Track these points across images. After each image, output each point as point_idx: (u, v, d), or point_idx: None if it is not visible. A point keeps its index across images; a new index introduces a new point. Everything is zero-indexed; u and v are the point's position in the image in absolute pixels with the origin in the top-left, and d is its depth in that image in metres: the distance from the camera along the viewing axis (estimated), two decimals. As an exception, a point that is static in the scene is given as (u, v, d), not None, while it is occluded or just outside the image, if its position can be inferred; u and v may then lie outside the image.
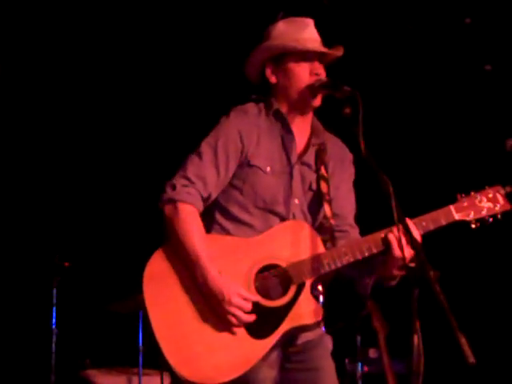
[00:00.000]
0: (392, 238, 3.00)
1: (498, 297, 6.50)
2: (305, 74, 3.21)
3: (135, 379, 5.88)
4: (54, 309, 6.13)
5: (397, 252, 2.97)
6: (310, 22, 3.32)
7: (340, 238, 3.30)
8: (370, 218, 3.25)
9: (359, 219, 3.45)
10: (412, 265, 2.74)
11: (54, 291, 6.12)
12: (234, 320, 3.01)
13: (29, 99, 6.75)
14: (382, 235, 3.05)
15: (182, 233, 3.08)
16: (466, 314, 4.69)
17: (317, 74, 3.21)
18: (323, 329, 3.41)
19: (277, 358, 3.15)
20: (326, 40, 3.34)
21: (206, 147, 3.19)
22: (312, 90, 3.21)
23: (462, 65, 6.39)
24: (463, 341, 2.42)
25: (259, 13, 3.53)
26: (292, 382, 3.22)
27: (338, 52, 3.29)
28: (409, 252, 2.92)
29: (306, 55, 3.21)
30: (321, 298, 6.54)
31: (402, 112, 6.71)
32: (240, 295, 3.01)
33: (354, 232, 3.36)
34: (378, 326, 5.76)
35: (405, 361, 2.73)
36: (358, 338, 6.10)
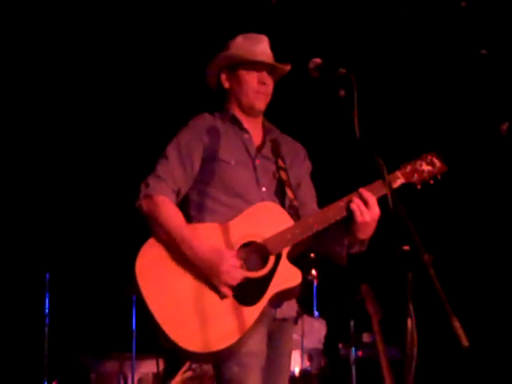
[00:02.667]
0: (354, 206, 3.32)
1: (493, 280, 6.51)
2: (253, 81, 3.58)
3: (129, 364, 5.88)
4: (47, 294, 6.12)
5: (359, 218, 3.31)
6: (265, 39, 3.66)
7: None
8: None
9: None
10: (406, 248, 2.73)
11: (47, 276, 6.11)
12: (231, 278, 3.28)
13: (17, 104, 6.74)
14: (343, 203, 3.37)
15: (164, 219, 3.37)
16: (461, 297, 4.69)
17: (264, 83, 3.57)
18: (315, 312, 3.60)
19: (265, 334, 3.44)
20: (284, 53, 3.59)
21: (171, 149, 3.53)
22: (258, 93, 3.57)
23: (458, 49, 6.37)
24: (457, 324, 2.42)
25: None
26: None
27: (285, 66, 3.64)
28: (369, 215, 3.31)
29: (255, 66, 3.57)
30: (315, 283, 6.57)
31: (398, 95, 6.71)
32: (230, 254, 3.31)
33: None
34: (371, 310, 5.77)
35: (399, 345, 2.72)
36: (352, 323, 6.12)
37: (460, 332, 2.42)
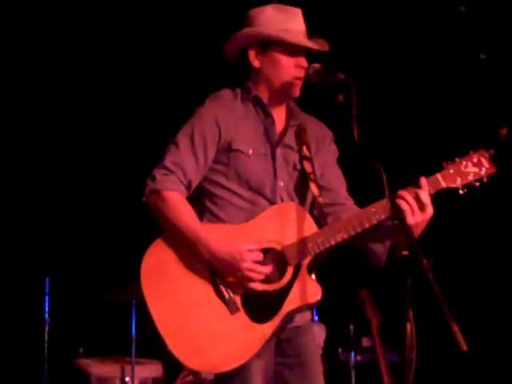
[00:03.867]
0: (405, 205, 3.01)
1: (492, 285, 6.51)
2: (290, 66, 3.23)
3: (128, 368, 5.87)
4: (47, 298, 6.12)
5: (410, 219, 3.00)
6: (299, 12, 3.31)
7: (338, 211, 3.32)
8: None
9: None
10: (405, 253, 2.73)
11: (47, 280, 6.11)
12: (254, 275, 3.02)
13: (15, 103, 6.74)
14: (387, 201, 3.03)
15: (174, 217, 3.10)
16: (460, 302, 4.69)
17: (302, 68, 3.22)
18: (314, 317, 3.43)
19: (272, 345, 3.19)
20: (315, 28, 3.34)
21: (182, 136, 3.21)
22: (294, 82, 3.24)
23: (457, 53, 6.38)
24: (456, 329, 2.42)
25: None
26: (279, 365, 3.25)
27: (324, 48, 3.29)
28: (421, 216, 3.02)
29: (293, 48, 3.23)
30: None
31: (397, 100, 6.70)
32: (250, 249, 3.04)
33: (350, 203, 3.37)
34: (371, 315, 5.78)
35: (398, 350, 2.73)
36: (351, 327, 6.11)
37: (459, 336, 2.42)
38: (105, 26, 6.58)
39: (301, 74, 3.23)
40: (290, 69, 3.23)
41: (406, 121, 6.71)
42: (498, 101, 6.15)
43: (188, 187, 3.19)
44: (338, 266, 5.24)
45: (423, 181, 3.10)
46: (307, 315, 3.34)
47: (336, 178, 3.42)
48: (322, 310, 6.35)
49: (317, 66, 3.22)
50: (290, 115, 3.37)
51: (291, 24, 3.25)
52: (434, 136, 6.54)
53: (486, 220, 6.55)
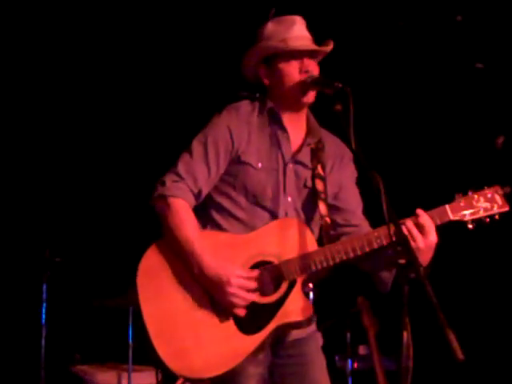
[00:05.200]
0: (405, 229, 2.97)
1: (488, 293, 6.51)
2: (295, 72, 3.23)
3: (125, 375, 5.88)
4: (44, 304, 6.12)
5: (411, 244, 2.90)
6: (298, 20, 3.33)
7: (352, 232, 3.32)
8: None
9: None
10: (402, 262, 2.74)
11: (44, 286, 6.11)
12: (237, 301, 3.04)
13: (22, 98, 6.75)
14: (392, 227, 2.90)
15: (175, 226, 3.12)
16: (456, 310, 4.70)
17: (307, 72, 3.22)
18: (314, 326, 3.40)
19: (265, 356, 3.18)
20: (318, 35, 3.35)
21: (196, 145, 3.23)
22: (303, 86, 3.22)
23: (454, 62, 6.39)
24: (452, 337, 2.43)
25: (255, 10, 3.54)
26: (281, 376, 3.26)
27: (327, 47, 3.31)
28: (423, 242, 3.00)
29: (294, 54, 3.24)
30: (311, 295, 6.57)
31: (394, 109, 6.71)
32: (238, 275, 3.05)
33: (365, 225, 3.37)
34: (367, 322, 5.78)
35: (394, 357, 2.74)
36: (348, 335, 6.11)
37: (455, 345, 2.43)
38: (118, 32, 6.62)
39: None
40: (295, 75, 3.23)
41: (402, 129, 6.72)
42: (496, 110, 6.16)
43: (197, 196, 3.22)
44: (336, 273, 5.26)
45: (419, 210, 3.07)
46: (309, 328, 3.32)
47: (352, 198, 3.41)
48: (319, 317, 6.36)
49: (315, 75, 3.24)
50: (308, 132, 3.36)
51: (291, 32, 3.27)
52: (431, 146, 6.56)
53: (481, 227, 6.55)
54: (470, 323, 6.07)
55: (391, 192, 2.79)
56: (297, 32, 3.29)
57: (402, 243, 2.76)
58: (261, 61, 3.31)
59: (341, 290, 6.35)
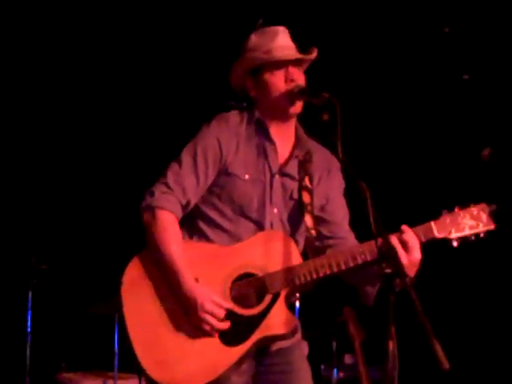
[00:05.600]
0: (395, 244, 2.97)
1: (474, 302, 6.53)
2: (280, 81, 3.24)
3: (110, 383, 5.86)
4: (30, 312, 6.10)
5: (403, 259, 2.95)
6: (281, 30, 3.34)
7: (338, 244, 3.33)
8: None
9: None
10: (388, 271, 2.75)
11: (30, 294, 6.09)
12: (206, 327, 3.06)
13: (12, 103, 6.74)
14: (376, 243, 2.92)
15: (159, 240, 3.14)
16: (442, 320, 4.71)
17: (292, 80, 3.23)
18: (299, 335, 3.40)
19: (249, 365, 3.19)
20: (304, 44, 3.36)
21: (186, 155, 3.24)
22: (290, 96, 3.22)
23: (440, 74, 6.42)
24: (438, 347, 2.44)
25: (244, 20, 3.55)
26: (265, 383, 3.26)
27: (311, 55, 3.31)
28: (407, 259, 2.98)
29: (278, 64, 3.24)
30: (297, 304, 6.56)
31: (381, 120, 6.73)
32: (214, 302, 3.06)
33: (351, 238, 3.38)
34: (353, 332, 5.77)
35: (380, 367, 2.74)
36: (334, 344, 6.11)
37: (440, 354, 2.44)
38: (114, 34, 6.62)
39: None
40: (280, 85, 3.24)
41: (389, 140, 6.74)
42: (482, 122, 6.19)
43: (185, 207, 3.23)
44: (321, 283, 5.26)
45: (404, 227, 3.05)
46: (294, 338, 3.31)
47: (339, 210, 3.42)
48: (305, 326, 6.36)
49: (302, 85, 3.26)
50: (296, 143, 3.36)
51: (275, 42, 3.28)
52: (417, 157, 6.58)
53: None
54: (455, 332, 6.08)
55: (378, 205, 2.79)
56: (280, 42, 3.29)
57: (390, 256, 2.76)
58: (247, 73, 3.32)
59: (327, 299, 6.35)
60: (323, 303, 6.32)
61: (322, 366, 6.32)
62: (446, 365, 2.42)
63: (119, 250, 3.31)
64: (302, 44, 3.36)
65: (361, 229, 3.24)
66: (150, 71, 6.80)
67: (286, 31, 3.36)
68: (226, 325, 3.07)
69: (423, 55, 6.40)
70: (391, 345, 2.63)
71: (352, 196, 3.38)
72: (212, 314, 3.04)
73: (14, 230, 6.79)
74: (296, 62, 3.27)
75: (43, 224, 6.88)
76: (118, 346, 5.86)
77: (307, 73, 3.37)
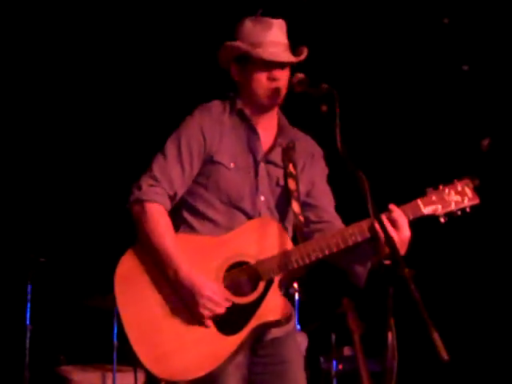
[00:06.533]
0: (379, 226, 2.96)
1: (473, 295, 6.54)
2: (263, 78, 3.25)
3: (109, 376, 5.86)
4: (29, 305, 6.09)
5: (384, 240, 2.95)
6: (276, 24, 3.31)
7: (324, 229, 3.33)
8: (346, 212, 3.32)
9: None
10: (387, 263, 2.74)
11: (29, 287, 6.08)
12: (206, 312, 3.05)
13: (8, 99, 6.74)
14: (366, 223, 3.04)
15: (151, 232, 3.14)
16: (441, 311, 4.71)
17: (274, 79, 3.23)
18: (296, 326, 3.41)
19: (244, 357, 3.19)
20: (302, 37, 3.36)
21: (170, 146, 3.26)
22: (274, 92, 3.25)
23: (440, 64, 6.41)
24: (437, 338, 2.43)
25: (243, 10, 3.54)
26: (260, 375, 3.27)
27: (298, 57, 3.30)
28: (397, 237, 2.97)
29: (263, 62, 3.24)
30: (296, 296, 6.56)
31: (380, 110, 6.73)
32: (211, 288, 3.06)
33: (337, 222, 3.38)
34: (352, 324, 5.77)
35: (379, 359, 2.74)
36: (333, 337, 6.12)
37: (440, 345, 2.43)
38: (100, 30, 6.59)
39: (274, 85, 3.24)
40: (263, 81, 3.25)
41: (389, 131, 6.74)
42: (481, 112, 6.18)
43: (173, 198, 3.24)
44: (320, 275, 5.26)
45: (392, 206, 3.07)
46: (288, 327, 3.31)
47: (324, 195, 3.43)
48: (304, 319, 6.37)
49: (301, 75, 3.24)
50: (279, 132, 3.38)
51: (266, 36, 3.27)
52: (417, 146, 6.57)
53: (468, 229, 6.58)
54: (455, 324, 6.09)
55: (376, 194, 2.80)
56: (272, 37, 3.28)
57: (385, 237, 2.77)
58: (233, 59, 3.32)
59: (326, 291, 6.36)
60: (322, 295, 6.33)
61: (322, 359, 6.33)
62: (445, 356, 2.41)
63: (118, 243, 3.30)
64: (297, 38, 3.35)
65: (345, 215, 3.33)
66: (133, 67, 6.79)
67: (282, 25, 3.35)
68: (223, 309, 3.07)
69: (423, 46, 6.39)
70: (390, 336, 2.63)
71: (336, 184, 3.47)
72: (210, 300, 3.05)
73: (13, 223, 6.78)
74: (281, 63, 3.27)
75: (42, 217, 6.87)
76: (117, 339, 5.86)
77: (305, 64, 3.36)
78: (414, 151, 6.58)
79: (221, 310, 3.07)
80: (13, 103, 6.77)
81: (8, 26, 6.40)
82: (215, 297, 3.06)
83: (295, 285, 6.26)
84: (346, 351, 6.17)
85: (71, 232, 6.93)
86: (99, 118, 6.96)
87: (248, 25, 3.31)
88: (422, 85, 6.54)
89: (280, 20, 3.34)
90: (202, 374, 3.04)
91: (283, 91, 3.28)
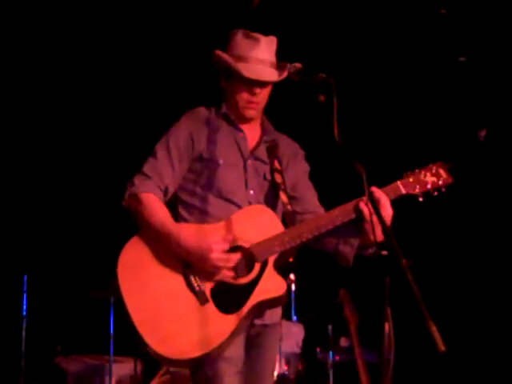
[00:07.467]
0: (362, 205, 3.25)
1: (470, 286, 6.54)
2: (243, 93, 3.45)
3: (106, 366, 5.86)
4: (25, 295, 6.09)
5: (369, 218, 3.20)
6: (264, 41, 3.45)
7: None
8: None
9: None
10: (384, 253, 2.75)
11: (25, 278, 6.08)
12: (220, 264, 3.21)
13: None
14: (351, 205, 3.29)
15: (148, 215, 3.30)
16: (438, 302, 4.72)
17: (254, 94, 3.43)
18: (293, 317, 3.52)
19: (241, 339, 3.36)
20: (300, 30, 3.37)
21: (159, 148, 3.45)
22: (247, 103, 3.45)
23: (437, 55, 6.40)
24: (434, 329, 2.43)
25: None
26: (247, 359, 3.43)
27: (280, 76, 3.40)
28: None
29: (244, 79, 3.41)
30: (293, 287, 6.56)
31: (377, 101, 6.73)
32: (218, 241, 3.23)
33: (321, 211, 3.57)
34: (349, 315, 5.79)
35: (376, 349, 2.74)
36: (330, 327, 6.13)
37: (436, 336, 2.43)
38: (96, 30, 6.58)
39: (255, 99, 3.44)
40: (244, 95, 3.45)
41: (387, 121, 6.74)
42: (478, 103, 6.19)
43: (165, 192, 3.41)
44: (317, 265, 5.26)
45: (373, 188, 3.25)
46: (276, 314, 3.54)
47: (307, 189, 3.66)
48: (301, 309, 6.38)
49: (298, 65, 3.28)
50: (263, 132, 3.60)
51: (253, 52, 3.43)
52: (414, 137, 6.57)
53: (464, 220, 6.59)
54: (452, 315, 6.09)
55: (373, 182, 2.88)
56: (258, 54, 3.43)
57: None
58: (220, 67, 3.51)
59: (322, 282, 6.36)
60: (319, 286, 6.33)
61: (318, 349, 6.34)
62: (442, 347, 2.42)
63: (115, 234, 3.35)
64: (299, 29, 3.39)
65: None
66: (125, 71, 6.78)
67: (272, 42, 3.49)
68: (237, 256, 3.25)
69: (420, 37, 6.38)
70: (387, 327, 2.64)
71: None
72: (220, 253, 3.21)
73: (9, 214, 6.77)
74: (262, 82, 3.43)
75: (38, 208, 6.87)
76: (114, 329, 5.86)
77: (304, 53, 3.39)
78: (411, 143, 6.57)
79: (235, 258, 3.25)
80: (8, 102, 6.76)
81: (8, 26, 6.38)
82: (224, 254, 3.22)
83: (292, 276, 6.28)
84: (343, 342, 6.19)
85: (68, 223, 6.92)
86: (96, 116, 6.95)
87: (238, 37, 3.48)
88: (419, 76, 6.54)
89: (271, 37, 3.50)
90: (207, 350, 3.18)
91: (262, 105, 3.50)
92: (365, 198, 3.22)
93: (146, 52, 6.71)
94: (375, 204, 3.02)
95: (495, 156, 5.20)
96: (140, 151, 3.55)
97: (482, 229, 6.55)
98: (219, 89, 3.56)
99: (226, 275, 3.24)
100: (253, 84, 3.41)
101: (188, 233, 3.26)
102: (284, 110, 3.60)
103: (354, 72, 6.40)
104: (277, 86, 3.52)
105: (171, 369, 5.58)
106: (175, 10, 6.49)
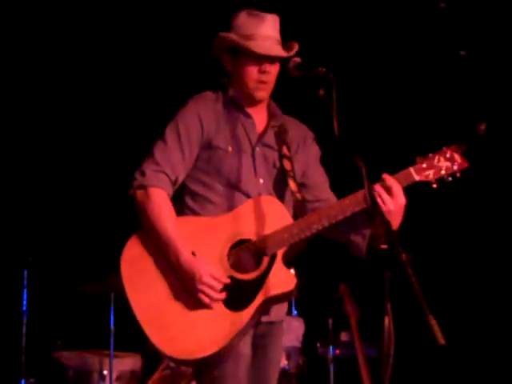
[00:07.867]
0: (375, 193, 3.05)
1: (470, 280, 6.54)
2: (253, 71, 3.35)
3: (106, 361, 5.86)
4: (25, 290, 6.09)
5: (381, 207, 3.07)
6: (269, 18, 3.41)
7: (321, 207, 3.40)
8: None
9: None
10: (384, 247, 2.75)
11: (25, 272, 6.08)
12: (205, 298, 3.12)
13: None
14: (362, 193, 3.09)
15: (154, 217, 3.22)
16: (438, 296, 4.72)
17: (264, 72, 3.33)
18: (293, 311, 3.49)
19: (249, 338, 3.29)
20: (300, 22, 3.37)
21: (169, 133, 3.34)
22: (259, 83, 3.36)
23: (437, 50, 6.40)
24: (434, 323, 2.43)
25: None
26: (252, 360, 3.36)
27: (289, 53, 3.36)
28: (393, 204, 3.12)
29: (254, 55, 3.34)
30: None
31: (377, 95, 6.72)
32: (211, 274, 3.12)
33: (333, 199, 3.47)
34: (349, 309, 5.79)
35: (376, 344, 2.74)
36: (330, 322, 6.13)
37: (436, 330, 2.43)
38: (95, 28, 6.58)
39: (264, 78, 3.35)
40: (254, 74, 3.35)
41: (387, 116, 6.73)
42: (478, 97, 6.18)
43: (174, 183, 3.32)
44: (318, 260, 5.26)
45: (385, 175, 3.19)
46: (282, 311, 3.45)
47: (318, 175, 3.55)
48: (301, 304, 6.38)
49: (297, 59, 3.26)
50: (270, 116, 3.50)
51: (259, 29, 3.36)
52: (414, 131, 6.56)
53: (464, 215, 6.59)
54: (452, 308, 6.10)
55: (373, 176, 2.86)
56: (264, 31, 3.37)
57: (375, 209, 2.81)
58: (225, 49, 3.42)
59: (323, 276, 6.36)
60: (319, 280, 6.33)
61: (318, 344, 6.34)
62: (442, 340, 2.41)
63: (115, 229, 3.32)
64: (291, 24, 3.41)
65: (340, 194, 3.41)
66: (128, 58, 6.77)
67: (276, 20, 3.44)
68: (222, 295, 3.14)
69: (420, 31, 6.37)
70: (387, 321, 2.64)
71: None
72: (210, 287, 3.11)
73: (9, 209, 6.77)
74: (272, 57, 3.36)
75: (38, 203, 6.86)
76: (114, 324, 5.86)
77: (304, 47, 3.38)
78: (411, 137, 6.57)
79: (220, 297, 3.13)
80: (7, 98, 6.76)
81: (8, 26, 6.38)
82: (216, 284, 3.12)
83: (292, 270, 6.27)
84: (343, 336, 6.19)
85: (68, 218, 6.92)
86: (96, 109, 6.94)
87: (242, 17, 3.42)
88: (419, 71, 6.53)
89: (274, 15, 3.44)
90: (215, 349, 3.10)
91: (272, 85, 3.41)
92: (375, 186, 3.12)
93: (146, 43, 6.69)
94: (381, 195, 3.02)
95: (495, 150, 5.19)
96: (138, 149, 3.50)
97: (482, 223, 6.55)
98: (218, 82, 3.51)
99: (208, 306, 3.15)
100: (262, 60, 3.33)
101: (188, 249, 3.17)
102: (283, 104, 3.57)
103: (354, 67, 6.39)
104: (276, 82, 3.50)
105: (171, 364, 5.58)
106: (174, 3, 6.49)
